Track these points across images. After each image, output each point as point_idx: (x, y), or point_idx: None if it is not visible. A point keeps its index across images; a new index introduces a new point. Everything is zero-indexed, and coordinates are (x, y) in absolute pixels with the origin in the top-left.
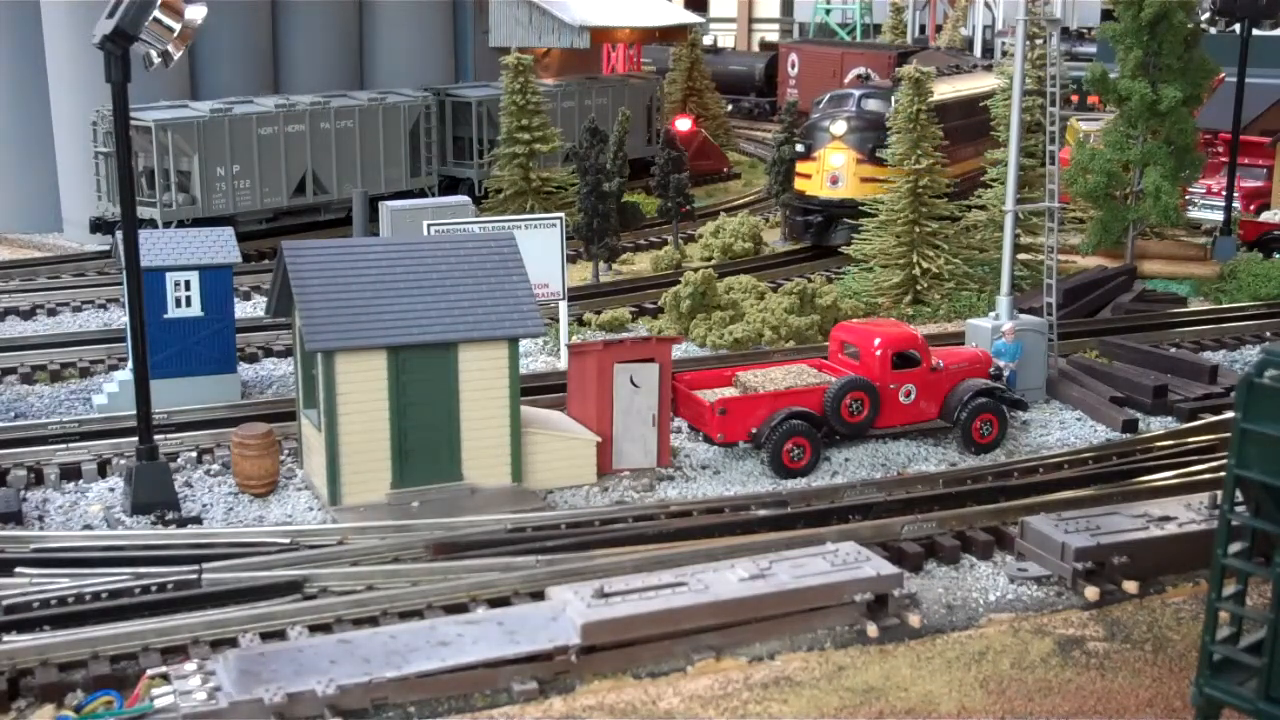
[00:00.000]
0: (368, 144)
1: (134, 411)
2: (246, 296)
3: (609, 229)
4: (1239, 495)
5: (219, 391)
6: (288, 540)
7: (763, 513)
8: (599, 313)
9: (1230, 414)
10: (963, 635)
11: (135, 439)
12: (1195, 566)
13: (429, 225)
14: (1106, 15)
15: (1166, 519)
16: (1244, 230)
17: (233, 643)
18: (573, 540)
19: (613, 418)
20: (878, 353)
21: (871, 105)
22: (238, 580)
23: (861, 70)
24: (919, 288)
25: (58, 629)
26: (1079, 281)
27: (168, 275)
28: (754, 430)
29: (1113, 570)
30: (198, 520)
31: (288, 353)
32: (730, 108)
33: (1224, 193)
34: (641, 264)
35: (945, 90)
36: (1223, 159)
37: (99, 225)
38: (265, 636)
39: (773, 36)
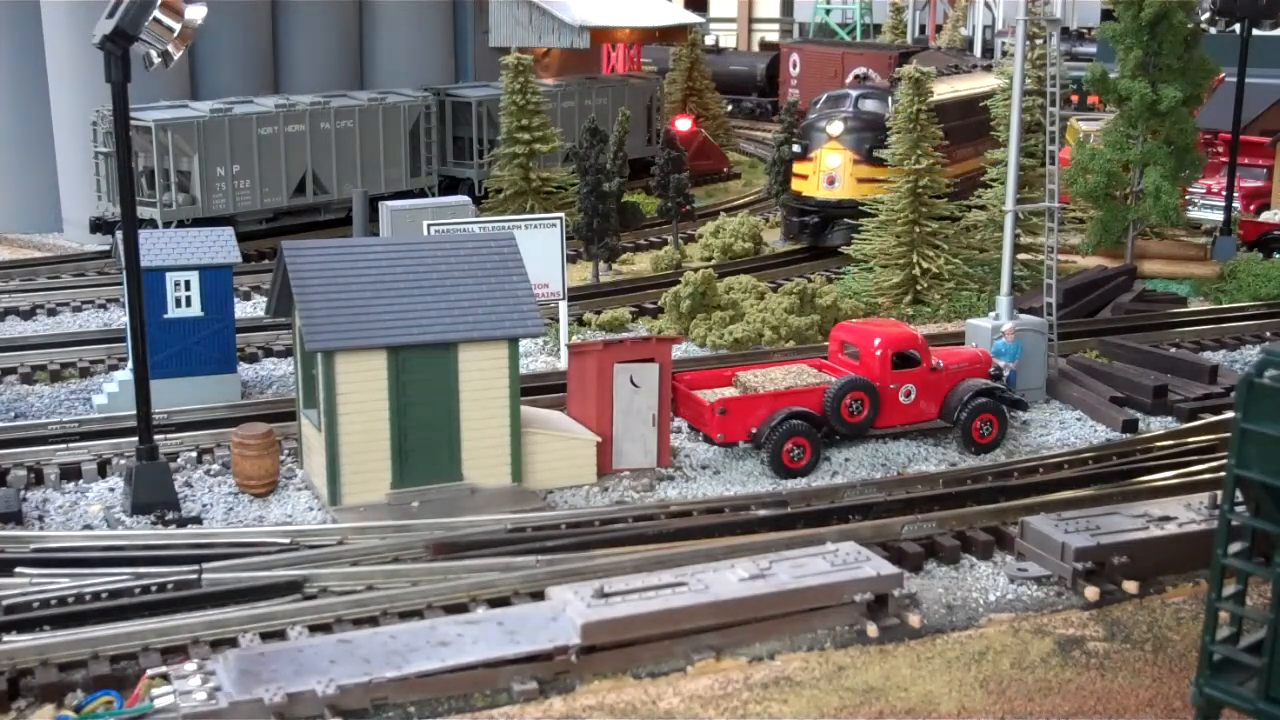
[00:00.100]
0: (368, 144)
1: (134, 411)
2: (246, 296)
3: (609, 229)
4: (1239, 495)
5: (219, 391)
6: (288, 540)
7: (763, 513)
8: (599, 313)
9: (1230, 414)
10: (963, 635)
11: (135, 439)
12: (1195, 566)
13: (429, 225)
14: (1106, 15)
15: (1166, 519)
16: (1244, 230)
17: (233, 643)
18: (573, 540)
19: (613, 418)
20: (878, 353)
21: (869, 105)
22: (238, 580)
23: (862, 70)
24: (919, 288)
25: (58, 629)
26: (1079, 281)
27: (168, 275)
28: (754, 430)
29: (1113, 570)
30: (198, 520)
31: (288, 353)
32: (730, 108)
33: (1224, 193)
34: (641, 264)
35: (943, 90)
36: (1223, 159)
37: (99, 225)
38: (265, 636)
39: (773, 36)
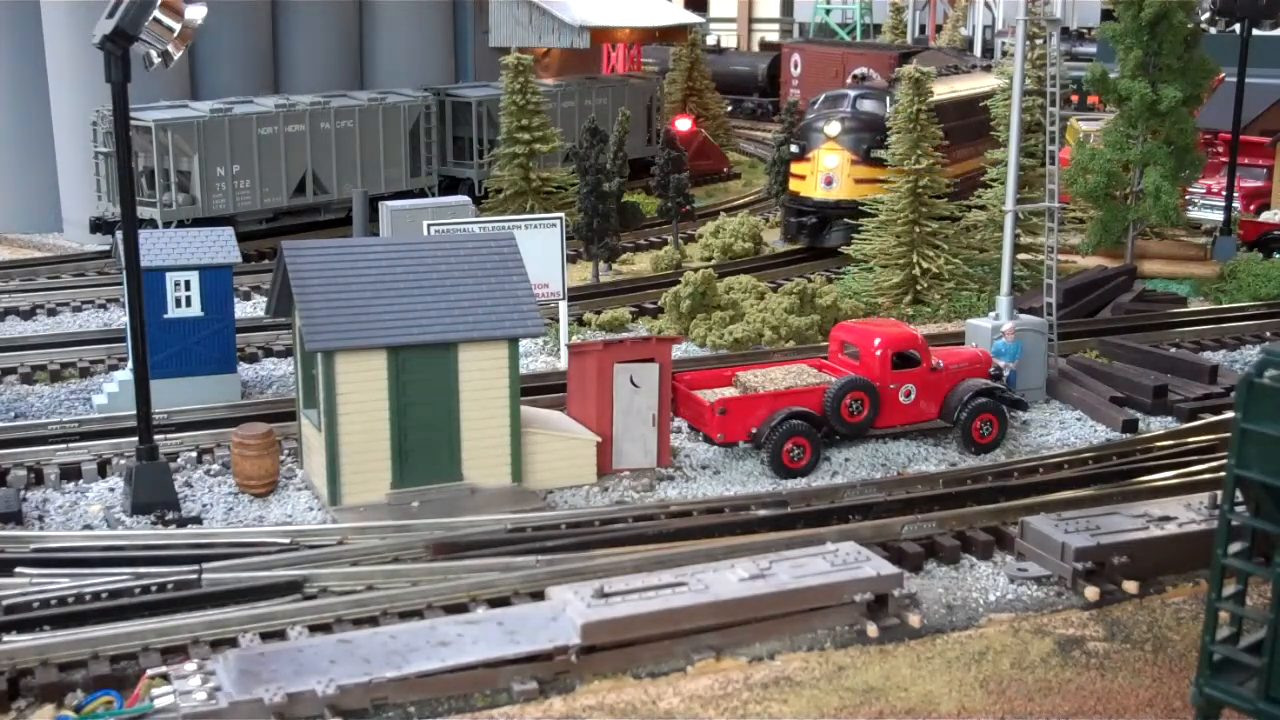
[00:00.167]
0: (368, 144)
1: (134, 411)
2: (246, 296)
3: (609, 229)
4: (1239, 495)
5: (219, 391)
6: (288, 540)
7: (763, 513)
8: (599, 313)
9: (1230, 414)
10: (963, 635)
11: (135, 439)
12: (1195, 566)
13: (429, 225)
14: (1106, 15)
15: (1166, 519)
16: (1244, 230)
17: (233, 643)
18: (573, 540)
19: (613, 418)
20: (878, 353)
21: (866, 106)
22: (238, 580)
23: (862, 70)
24: (919, 288)
25: (58, 629)
26: (1079, 281)
27: (168, 275)
28: (754, 430)
29: (1113, 570)
30: (198, 520)
31: (288, 353)
32: (730, 108)
33: (1224, 193)
34: (641, 264)
35: (941, 91)
36: (1223, 159)
37: (99, 225)
38: (265, 636)
39: (773, 36)
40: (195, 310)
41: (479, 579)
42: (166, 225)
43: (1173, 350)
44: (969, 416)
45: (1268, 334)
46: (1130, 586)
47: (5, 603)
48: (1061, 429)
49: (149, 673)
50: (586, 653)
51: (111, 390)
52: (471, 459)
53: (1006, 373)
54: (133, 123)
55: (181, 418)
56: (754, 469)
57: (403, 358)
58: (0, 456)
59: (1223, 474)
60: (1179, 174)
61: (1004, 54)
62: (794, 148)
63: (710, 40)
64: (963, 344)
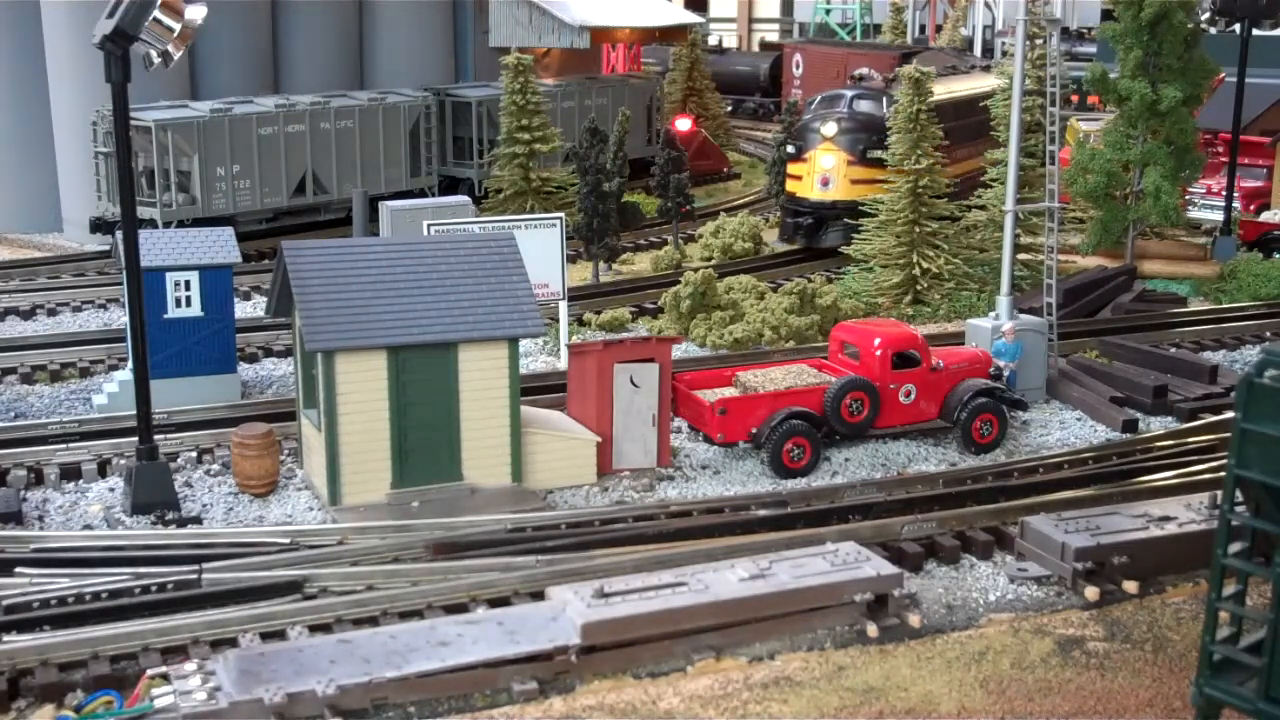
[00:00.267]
0: (368, 144)
1: (134, 411)
2: (246, 296)
3: (609, 229)
4: (1239, 495)
5: (219, 391)
6: (288, 540)
7: (763, 513)
8: (599, 313)
9: (1230, 414)
10: (963, 635)
11: (135, 439)
12: (1195, 566)
13: (429, 225)
14: (1106, 15)
15: (1166, 519)
16: (1244, 230)
17: (233, 643)
18: (573, 540)
19: (613, 418)
20: (878, 353)
21: (863, 106)
22: (238, 580)
23: (864, 71)
24: (919, 288)
25: (58, 629)
26: (1079, 281)
27: (168, 275)
28: (754, 430)
29: (1113, 570)
30: (198, 520)
31: (288, 353)
32: (730, 108)
33: (1224, 193)
34: (641, 264)
35: (941, 91)
36: (1223, 159)
37: (99, 225)
38: (265, 636)
39: (773, 36)
40: (195, 310)
41: (479, 579)
42: (166, 225)
43: (1173, 350)
44: (969, 416)
45: (1268, 334)
46: (1130, 586)
47: (5, 603)
48: (1061, 429)
49: (149, 673)
50: (586, 653)
51: (111, 390)
52: (471, 459)
53: (1006, 373)
54: (133, 123)
55: (181, 418)
56: (754, 469)
57: (403, 358)
58: (0, 456)
59: (1223, 474)
60: (1179, 174)
61: (1004, 54)
62: (790, 148)
63: (712, 40)
64: (963, 344)
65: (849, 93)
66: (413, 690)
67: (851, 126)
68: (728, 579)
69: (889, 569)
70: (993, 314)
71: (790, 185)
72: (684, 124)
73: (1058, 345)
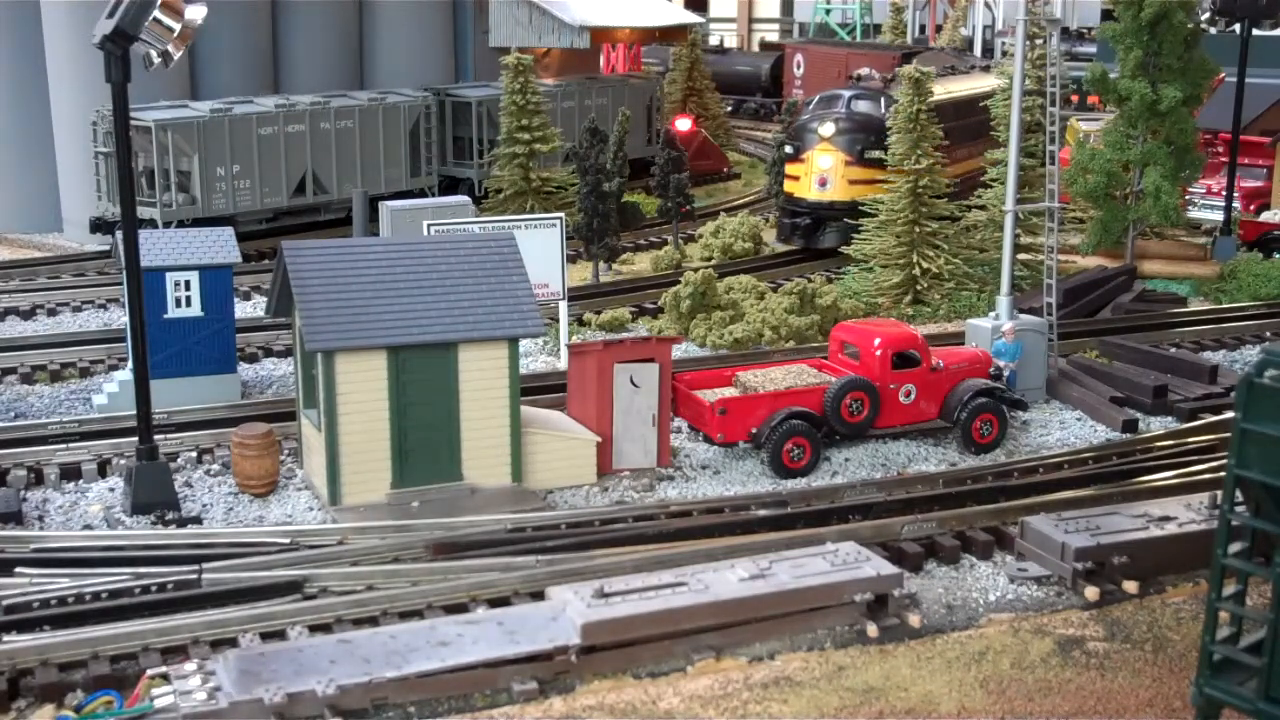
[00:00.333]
0: (368, 144)
1: (134, 411)
2: (246, 296)
3: (609, 229)
4: (1239, 495)
5: (219, 391)
6: (288, 540)
7: (763, 513)
8: (599, 313)
9: (1230, 414)
10: (963, 635)
11: (135, 439)
12: (1195, 566)
13: (429, 225)
14: (1106, 15)
15: (1166, 519)
16: (1244, 230)
17: (233, 643)
18: (573, 540)
19: (613, 418)
20: (878, 353)
21: (861, 107)
22: (238, 580)
23: (864, 71)
24: (919, 288)
25: (58, 629)
26: (1079, 281)
27: (168, 275)
28: (754, 430)
29: (1113, 570)
30: (198, 520)
31: (288, 353)
32: (730, 108)
33: (1224, 193)
34: (641, 264)
35: (939, 92)
36: (1223, 159)
37: (99, 225)
38: (265, 636)
39: (773, 36)
40: (195, 310)
41: (479, 579)
42: (166, 225)
43: (1173, 350)
44: (969, 416)
45: (1268, 334)
46: (1130, 586)
47: (5, 603)
48: (1061, 429)
49: (149, 673)
50: (586, 653)
51: (111, 390)
52: (471, 459)
53: (1006, 373)
54: (133, 123)
55: (181, 418)
56: (754, 469)
57: (403, 358)
58: (0, 456)
59: (1223, 474)
60: (1179, 174)
61: (1004, 54)
62: (788, 148)
63: (714, 40)
64: (963, 344)
65: (847, 93)
66: (413, 690)
67: (849, 127)
68: (728, 579)
69: (889, 569)
70: (993, 314)
71: (788, 185)
72: (684, 124)
73: (1058, 345)
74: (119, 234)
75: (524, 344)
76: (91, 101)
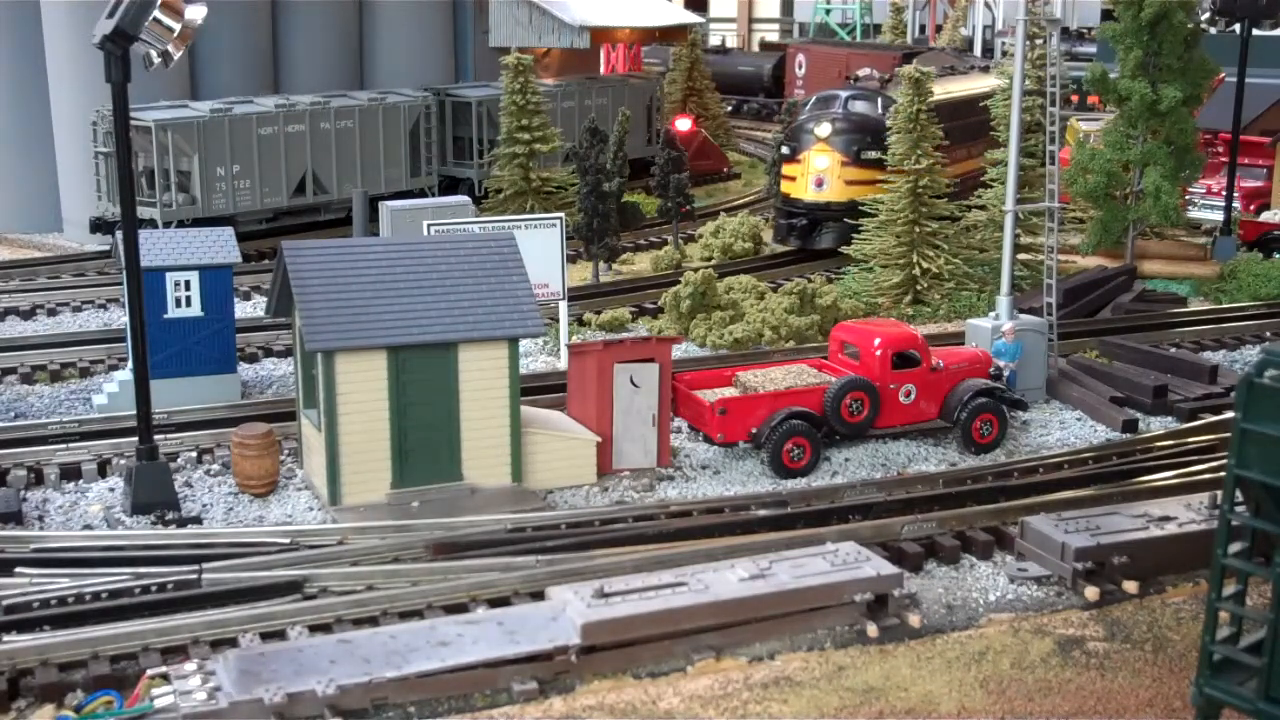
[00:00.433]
0: (368, 144)
1: (134, 411)
2: (246, 296)
3: (609, 229)
4: (1239, 495)
5: (219, 391)
6: (288, 540)
7: (763, 513)
8: (599, 313)
9: (1230, 414)
10: (963, 635)
11: (135, 439)
12: (1195, 566)
13: (429, 225)
14: (1106, 15)
15: (1166, 519)
16: (1244, 230)
17: (233, 643)
18: (573, 540)
19: (613, 418)
20: (878, 353)
21: (858, 107)
22: (238, 580)
23: (865, 71)
24: (919, 288)
25: (58, 629)
26: (1079, 281)
27: (168, 275)
28: (754, 430)
29: (1113, 570)
30: (198, 520)
31: (288, 353)
32: (731, 108)
33: (1224, 193)
34: (641, 264)
35: (939, 92)
36: (1223, 159)
37: (99, 225)
38: (265, 636)
39: (773, 36)
40: (195, 310)
41: (479, 579)
42: (166, 225)
43: (1173, 350)
44: (969, 416)
45: (1268, 334)
46: (1130, 586)
47: (5, 603)
48: (1061, 429)
49: (149, 673)
50: (586, 653)
51: (111, 390)
52: (471, 459)
53: (1006, 373)
54: (133, 123)
55: (181, 418)
56: (754, 469)
57: (403, 358)
58: (0, 456)
59: (1223, 474)
60: (1179, 174)
61: (1004, 54)
62: (785, 149)
63: (715, 41)
64: (963, 344)
65: (844, 93)
66: (413, 690)
67: (846, 127)
68: (728, 579)
69: (889, 569)
70: (993, 314)
71: (784, 186)
72: (684, 124)
73: (1058, 345)
74: (119, 234)
75: (524, 344)
76: (91, 101)
